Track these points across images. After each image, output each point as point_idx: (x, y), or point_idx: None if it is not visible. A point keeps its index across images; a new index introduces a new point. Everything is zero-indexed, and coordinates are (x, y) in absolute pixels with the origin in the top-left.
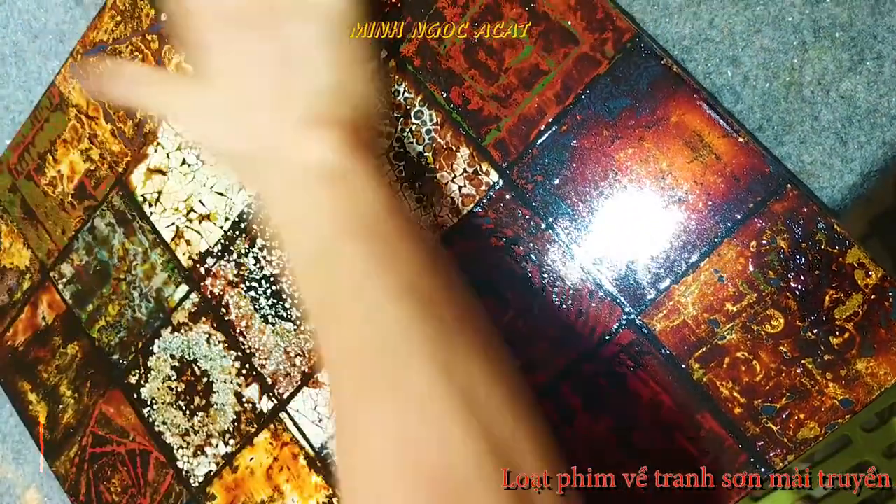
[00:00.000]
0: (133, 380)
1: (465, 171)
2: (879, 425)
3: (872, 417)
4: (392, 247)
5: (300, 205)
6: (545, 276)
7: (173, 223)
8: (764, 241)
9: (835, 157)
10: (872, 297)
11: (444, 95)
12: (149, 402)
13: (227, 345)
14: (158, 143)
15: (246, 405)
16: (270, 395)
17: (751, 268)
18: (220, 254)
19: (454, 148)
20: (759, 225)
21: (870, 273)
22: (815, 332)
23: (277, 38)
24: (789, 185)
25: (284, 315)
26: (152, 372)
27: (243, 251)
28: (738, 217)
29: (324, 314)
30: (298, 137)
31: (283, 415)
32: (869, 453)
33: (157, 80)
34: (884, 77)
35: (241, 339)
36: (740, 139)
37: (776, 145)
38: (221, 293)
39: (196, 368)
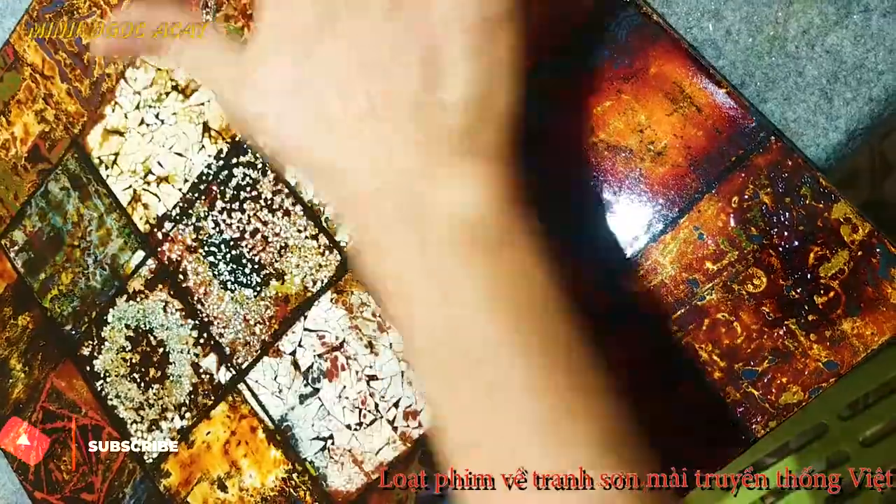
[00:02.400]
0: (86, 351)
1: None
2: (855, 414)
3: (846, 408)
4: (551, 359)
5: (437, 273)
6: None
7: (130, 186)
8: (746, 196)
9: (819, 114)
10: (859, 253)
11: None
12: (102, 375)
13: (184, 313)
14: (116, 103)
15: (203, 376)
16: (229, 365)
17: (732, 224)
18: (178, 217)
19: None
20: (741, 179)
21: (857, 228)
22: (798, 291)
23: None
24: (773, 138)
25: (244, 281)
26: (106, 343)
27: (202, 214)
28: (720, 171)
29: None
30: (440, 169)
31: (241, 386)
32: (845, 442)
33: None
34: (871, 31)
35: (199, 306)
36: (722, 90)
37: (759, 102)
38: (179, 259)
39: (152, 338)
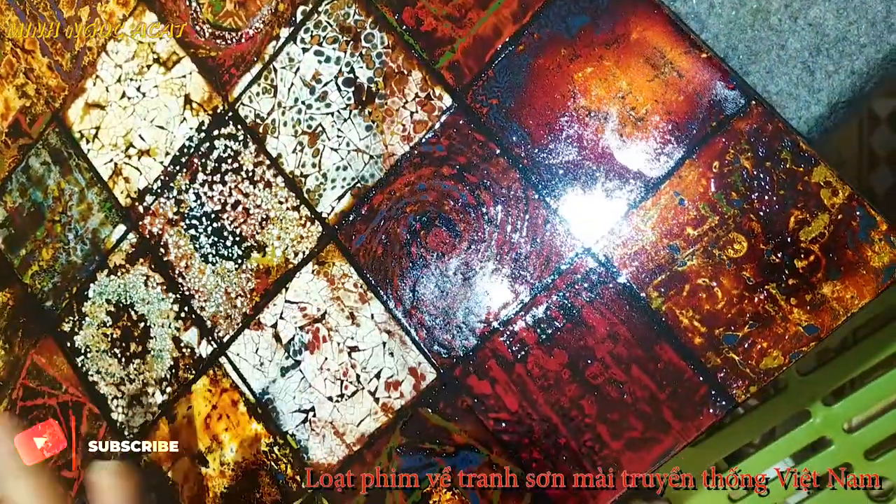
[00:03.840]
0: (66, 327)
1: (416, 95)
2: (839, 401)
3: (830, 395)
4: None
5: None
6: (499, 204)
7: (111, 160)
8: (727, 161)
9: (801, 87)
10: (839, 216)
11: (396, 17)
12: (82, 351)
13: (165, 287)
14: (97, 77)
15: (184, 350)
16: (210, 338)
17: (713, 189)
18: (159, 191)
19: (406, 72)
20: (721, 144)
21: (837, 192)
22: (779, 255)
23: None
24: (754, 102)
25: (225, 254)
26: (87, 318)
27: (183, 187)
28: (701, 136)
29: None
30: None
31: (222, 359)
32: (828, 429)
33: None
34: (853, 4)
35: (179, 280)
36: (703, 55)
37: (741, 75)
38: (160, 232)
39: (132, 313)
